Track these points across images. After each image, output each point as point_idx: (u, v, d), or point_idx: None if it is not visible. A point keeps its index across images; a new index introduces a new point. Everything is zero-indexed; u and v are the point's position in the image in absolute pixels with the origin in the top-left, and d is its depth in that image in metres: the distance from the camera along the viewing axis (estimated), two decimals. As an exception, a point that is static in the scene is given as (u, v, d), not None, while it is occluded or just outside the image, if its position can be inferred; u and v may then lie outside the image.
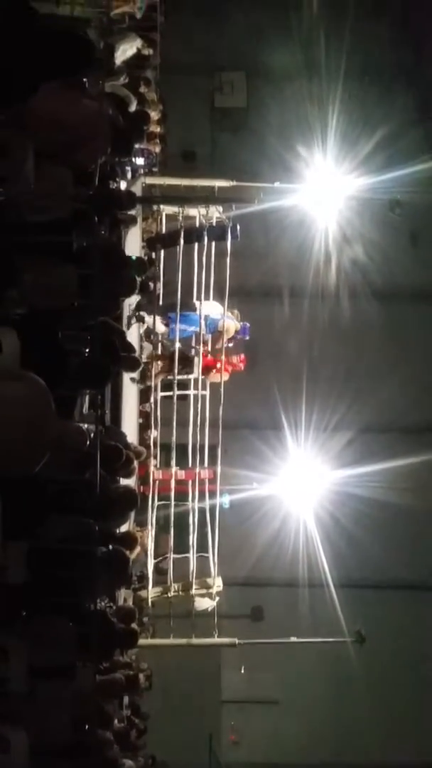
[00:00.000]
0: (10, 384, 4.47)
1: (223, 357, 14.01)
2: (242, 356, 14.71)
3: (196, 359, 13.98)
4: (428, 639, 19.50)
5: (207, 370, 14.30)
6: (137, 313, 13.25)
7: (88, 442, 5.11)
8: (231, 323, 14.16)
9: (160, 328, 13.95)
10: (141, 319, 13.57)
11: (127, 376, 12.59)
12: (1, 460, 4.36)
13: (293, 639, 14.56)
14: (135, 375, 13.16)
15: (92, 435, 6.83)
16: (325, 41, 18.92)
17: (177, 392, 14.52)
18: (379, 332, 20.10)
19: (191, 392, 14.93)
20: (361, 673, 18.16)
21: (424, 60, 19.41)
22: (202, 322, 13.66)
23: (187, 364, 14.28)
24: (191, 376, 14.44)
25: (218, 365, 14.12)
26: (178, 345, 14.01)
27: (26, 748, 5.37)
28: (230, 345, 14.38)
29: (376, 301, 19.71)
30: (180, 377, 14.36)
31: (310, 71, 19.69)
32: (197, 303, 13.62)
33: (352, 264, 19.48)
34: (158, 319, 13.70)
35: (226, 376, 14.23)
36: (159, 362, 14.33)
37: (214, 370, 14.33)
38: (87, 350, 6.40)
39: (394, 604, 19.32)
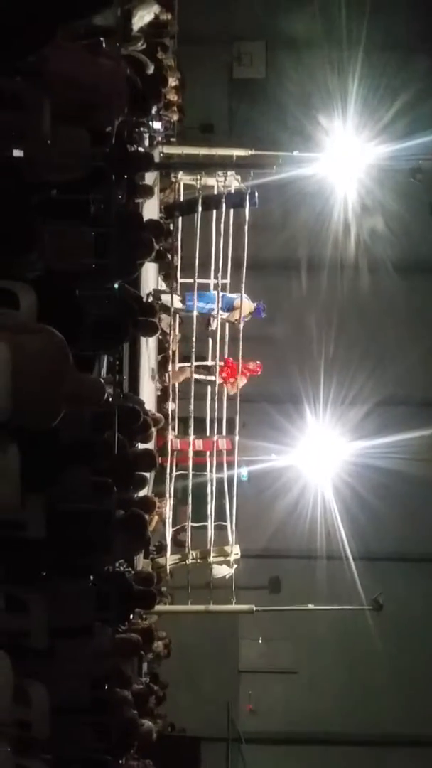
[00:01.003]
0: (28, 337, 4.48)
1: (239, 357, 14.20)
2: (259, 363, 14.96)
3: (213, 366, 14.37)
4: (447, 612, 19.53)
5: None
6: (154, 290, 13.37)
7: (106, 395, 5.10)
8: (246, 303, 14.25)
9: (177, 304, 14.03)
10: (157, 296, 13.66)
11: (144, 347, 12.62)
12: (20, 413, 4.37)
13: (311, 606, 14.63)
14: (153, 367, 13.47)
15: (110, 399, 6.87)
16: (344, 9, 18.69)
17: (195, 363, 14.54)
18: (399, 304, 19.98)
19: (209, 363, 14.96)
20: (378, 645, 18.24)
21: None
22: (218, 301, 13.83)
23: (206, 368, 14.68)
24: (210, 378, 14.58)
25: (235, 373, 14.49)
26: (195, 315, 14.10)
27: (47, 703, 5.41)
28: (245, 320, 14.46)
29: (396, 273, 19.56)
30: (200, 376, 14.52)
31: (329, 40, 19.44)
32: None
33: (372, 235, 19.34)
34: (175, 297, 13.83)
35: (243, 381, 14.49)
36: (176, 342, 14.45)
37: (231, 380, 14.57)
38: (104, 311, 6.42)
39: (413, 576, 19.33)
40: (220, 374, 14.60)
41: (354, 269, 19.56)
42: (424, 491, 19.09)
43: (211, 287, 14.36)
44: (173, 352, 14.69)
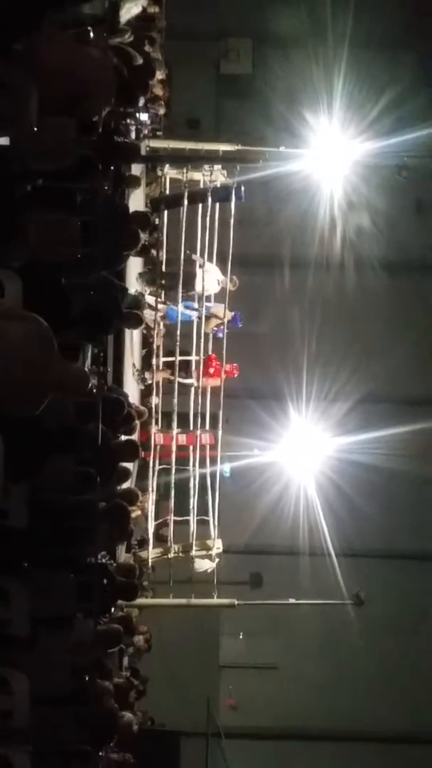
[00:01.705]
0: (12, 323, 4.45)
1: (224, 353, 14.22)
2: (235, 365, 15.03)
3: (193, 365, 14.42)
4: (430, 608, 19.60)
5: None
6: (138, 292, 13.44)
7: (90, 385, 5.10)
8: (220, 310, 14.39)
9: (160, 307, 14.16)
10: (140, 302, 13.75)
11: (129, 340, 12.62)
12: (3, 399, 4.36)
13: (292, 600, 14.67)
14: (135, 363, 13.48)
15: (94, 390, 6.86)
16: (331, 6, 18.71)
17: (179, 357, 14.56)
18: (383, 302, 20.05)
19: (193, 358, 14.96)
20: (359, 640, 18.30)
21: (431, 23, 19.24)
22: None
23: (185, 368, 14.72)
24: (189, 381, 14.62)
25: (211, 370, 14.61)
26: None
27: (27, 692, 5.40)
28: (221, 334, 14.57)
29: (381, 270, 19.62)
30: (180, 379, 14.62)
31: (316, 36, 19.46)
32: (198, 266, 13.62)
33: (357, 232, 19.39)
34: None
35: (217, 381, 14.56)
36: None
37: (206, 377, 14.66)
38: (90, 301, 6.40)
39: (396, 573, 19.41)
40: (204, 371, 14.63)
41: (339, 266, 19.61)
42: (406, 487, 19.18)
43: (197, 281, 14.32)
44: (157, 347, 14.70)
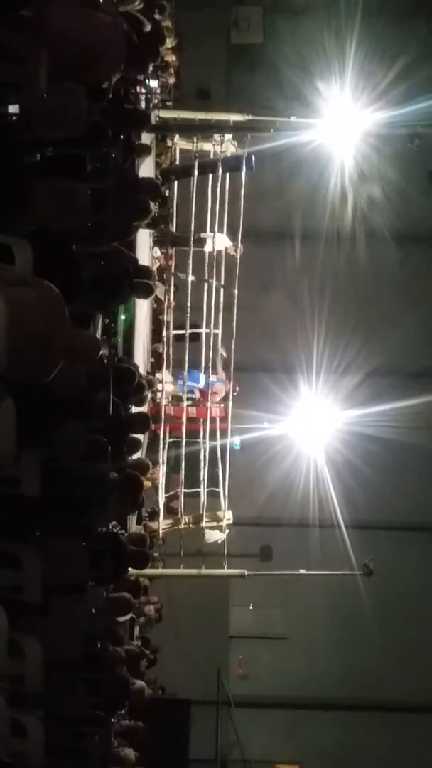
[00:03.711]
0: (24, 289, 4.42)
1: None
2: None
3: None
4: (438, 580, 19.69)
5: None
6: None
7: (101, 352, 5.08)
8: (221, 386, 14.68)
9: (168, 387, 14.48)
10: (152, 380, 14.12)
11: (139, 311, 12.60)
12: (15, 365, 4.34)
13: (302, 571, 14.75)
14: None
15: (105, 360, 6.86)
16: (343, -25, 18.52)
17: (189, 330, 14.55)
18: (393, 274, 19.94)
19: (203, 330, 14.94)
20: (369, 612, 18.39)
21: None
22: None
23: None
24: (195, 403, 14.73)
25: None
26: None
27: (40, 657, 5.44)
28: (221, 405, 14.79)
29: (392, 242, 19.52)
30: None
31: (327, 5, 19.29)
32: (209, 236, 13.62)
33: (368, 203, 19.26)
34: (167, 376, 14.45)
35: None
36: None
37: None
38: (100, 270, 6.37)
39: (405, 545, 19.48)
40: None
41: (349, 238, 19.50)
42: (416, 460, 19.18)
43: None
44: (168, 322, 14.72)
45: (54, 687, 5.75)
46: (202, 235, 14.29)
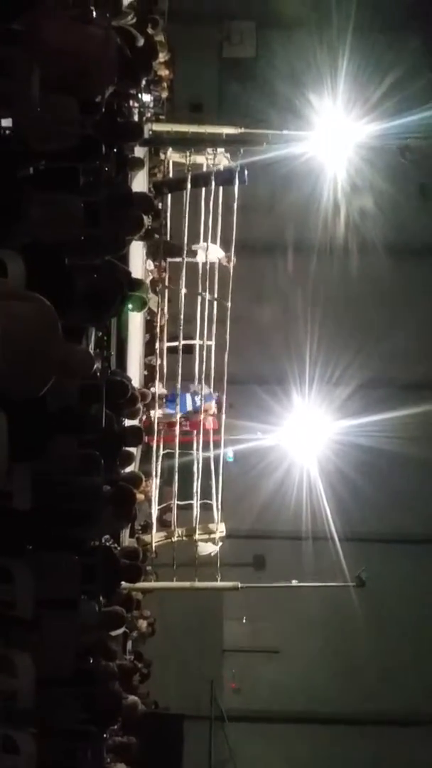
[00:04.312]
0: (16, 303, 4.42)
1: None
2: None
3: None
4: None
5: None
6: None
7: (94, 367, 5.07)
8: (211, 404, 14.84)
9: (159, 413, 14.58)
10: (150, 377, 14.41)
11: (133, 325, 12.59)
12: (6, 380, 4.33)
13: (294, 582, 14.71)
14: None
15: (98, 373, 6.83)
16: (334, -13, 18.62)
17: (183, 342, 14.53)
18: (385, 286, 20.00)
19: (197, 342, 14.94)
20: (362, 624, 18.35)
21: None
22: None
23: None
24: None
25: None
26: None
27: (32, 673, 5.40)
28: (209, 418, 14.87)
29: (384, 254, 19.57)
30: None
31: (319, 19, 19.36)
32: (201, 247, 13.66)
33: (360, 215, 19.32)
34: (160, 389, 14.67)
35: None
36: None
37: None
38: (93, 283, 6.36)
39: (398, 557, 19.45)
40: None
41: (342, 250, 19.56)
42: (408, 471, 19.18)
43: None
44: (161, 331, 14.70)
45: (46, 702, 5.71)
46: (194, 246, 14.32)
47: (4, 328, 4.29)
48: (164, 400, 14.91)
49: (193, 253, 14.00)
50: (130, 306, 8.41)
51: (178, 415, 14.41)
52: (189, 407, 14.69)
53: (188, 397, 14.79)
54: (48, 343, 4.39)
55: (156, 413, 14.10)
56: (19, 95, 5.22)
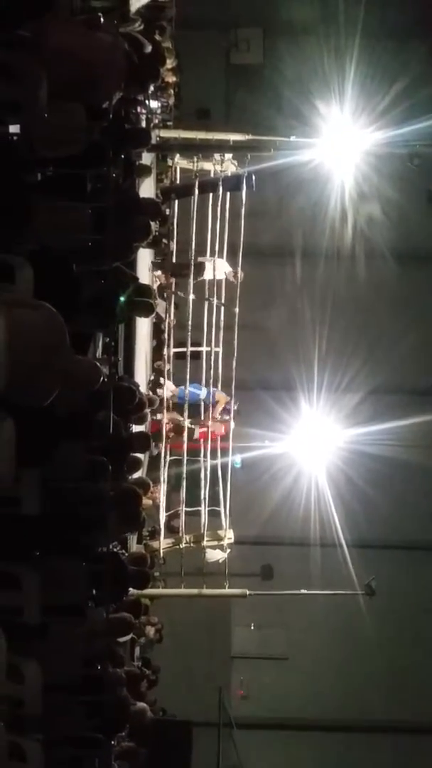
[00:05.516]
0: (23, 311, 4.42)
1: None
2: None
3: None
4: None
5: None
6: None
7: (102, 379, 5.06)
8: (222, 396, 14.73)
9: (169, 393, 14.49)
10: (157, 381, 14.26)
11: (139, 329, 12.60)
12: (15, 387, 4.33)
13: (303, 591, 14.66)
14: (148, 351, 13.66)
15: (105, 379, 6.83)
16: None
17: (191, 348, 14.53)
18: (393, 292, 19.98)
19: (204, 348, 14.93)
20: (371, 632, 18.27)
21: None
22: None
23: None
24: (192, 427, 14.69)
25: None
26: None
27: (39, 680, 5.39)
28: (224, 416, 14.77)
29: (392, 261, 19.56)
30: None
31: (327, 26, 19.38)
32: (208, 262, 13.66)
33: (368, 222, 19.32)
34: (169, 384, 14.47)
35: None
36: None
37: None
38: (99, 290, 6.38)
39: (407, 564, 19.38)
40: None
41: (350, 257, 19.55)
42: (417, 478, 19.12)
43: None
44: (169, 328, 14.71)
45: (53, 710, 5.70)
46: (200, 259, 14.26)
47: (12, 336, 4.30)
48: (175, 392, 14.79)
49: (200, 268, 13.94)
50: (136, 311, 8.40)
51: (187, 422, 14.36)
52: (202, 395, 14.52)
53: (202, 387, 14.65)
54: (55, 351, 4.39)
55: (165, 415, 14.07)
56: (26, 101, 5.23)
